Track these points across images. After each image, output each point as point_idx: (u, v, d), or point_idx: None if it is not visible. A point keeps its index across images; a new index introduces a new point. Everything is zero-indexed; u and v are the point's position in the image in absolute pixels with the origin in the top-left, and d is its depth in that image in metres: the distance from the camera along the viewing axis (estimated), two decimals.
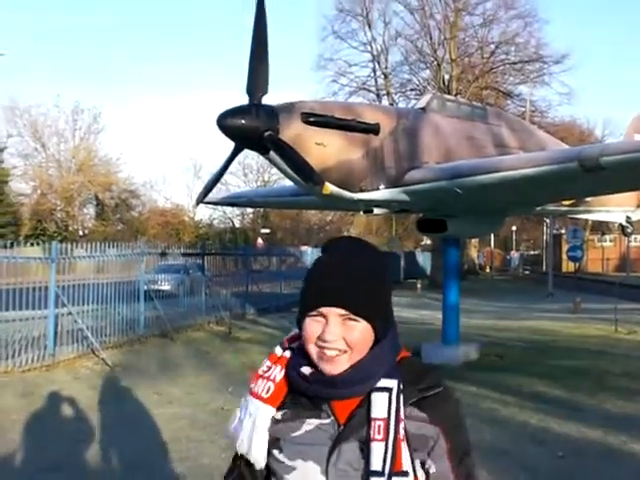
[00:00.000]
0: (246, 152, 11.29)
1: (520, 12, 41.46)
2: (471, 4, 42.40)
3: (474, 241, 52.41)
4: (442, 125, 12.65)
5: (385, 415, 1.71)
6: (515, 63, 42.68)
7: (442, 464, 1.76)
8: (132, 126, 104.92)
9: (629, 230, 18.14)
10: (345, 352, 1.74)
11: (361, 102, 33.99)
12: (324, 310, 1.75)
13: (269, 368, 1.88)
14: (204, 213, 68.38)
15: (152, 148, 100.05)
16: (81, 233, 55.41)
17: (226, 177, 47.98)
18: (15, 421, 8.86)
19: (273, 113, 10.08)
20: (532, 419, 8.82)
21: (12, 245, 14.14)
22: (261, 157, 11.30)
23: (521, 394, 10.33)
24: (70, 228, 55.30)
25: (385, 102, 41.17)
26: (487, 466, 6.78)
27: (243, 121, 9.80)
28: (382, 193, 11.54)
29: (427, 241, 63.06)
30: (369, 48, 43.47)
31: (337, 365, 1.74)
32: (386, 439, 1.68)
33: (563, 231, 54.43)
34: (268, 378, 1.86)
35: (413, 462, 1.74)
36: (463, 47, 43.04)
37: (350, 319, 1.75)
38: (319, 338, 1.75)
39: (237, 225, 71.50)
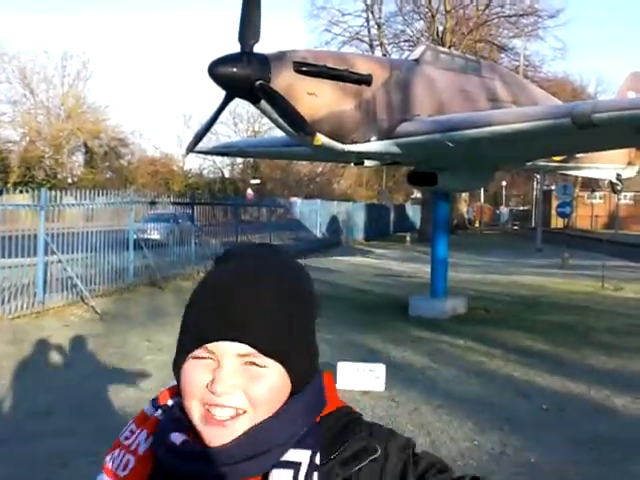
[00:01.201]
0: (237, 101, 11.20)
1: None
2: None
3: (464, 196, 52.46)
4: (435, 77, 12.55)
5: None
6: (510, 16, 42.32)
7: None
8: (121, 73, 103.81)
9: (619, 187, 18.18)
10: (245, 412, 1.14)
11: (354, 52, 33.61)
12: (215, 347, 1.14)
13: (132, 434, 1.28)
14: (194, 163, 68.00)
15: (141, 96, 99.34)
16: (70, 181, 54.96)
17: (216, 127, 47.61)
18: (4, 367, 8.89)
19: (265, 62, 9.99)
20: (517, 372, 8.94)
21: (1, 192, 14.06)
22: (252, 106, 11.20)
23: (507, 348, 10.44)
24: (59, 176, 54.84)
25: (378, 53, 40.78)
26: (473, 418, 6.90)
27: (234, 69, 9.70)
28: (373, 145, 11.49)
29: (417, 194, 63.16)
30: None
31: (228, 431, 1.13)
32: None
33: (553, 187, 54.53)
34: (128, 449, 1.26)
35: None
36: None
37: (254, 363, 1.15)
38: (207, 391, 1.14)
39: (227, 175, 71.14)
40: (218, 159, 64.03)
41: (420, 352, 9.84)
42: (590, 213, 58.97)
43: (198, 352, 1.16)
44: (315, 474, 1.13)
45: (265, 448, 1.14)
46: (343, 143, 11.13)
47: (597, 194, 62.12)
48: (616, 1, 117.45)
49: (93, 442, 6.10)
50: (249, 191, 51.55)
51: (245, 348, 1.14)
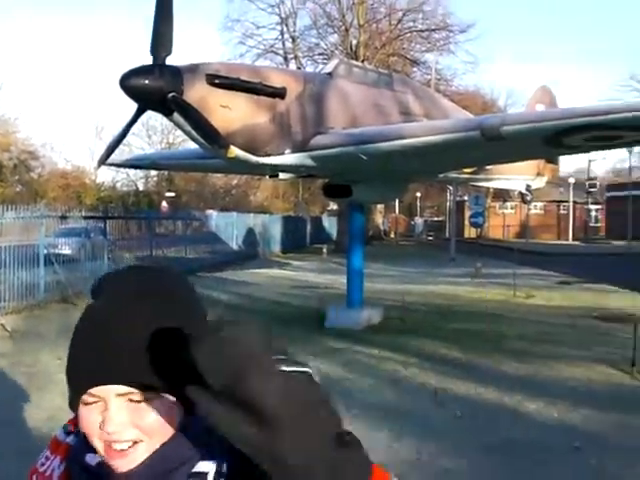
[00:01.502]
0: (150, 113, 11.07)
1: None
2: None
3: (379, 207, 53.02)
4: (348, 91, 12.69)
5: None
6: (422, 31, 43.11)
7: None
8: (31, 85, 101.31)
9: (528, 198, 18.75)
10: (141, 441, 1.16)
11: (267, 65, 33.66)
12: (98, 391, 1.15)
13: (47, 460, 1.33)
14: (106, 176, 66.80)
15: (52, 108, 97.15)
16: None
17: (129, 139, 47.11)
18: None
19: (177, 74, 9.92)
20: (432, 380, 9.07)
21: None
22: (165, 118, 11.10)
23: (422, 356, 10.59)
24: None
25: (293, 66, 40.95)
26: (388, 426, 6.97)
27: (146, 81, 9.61)
28: (288, 158, 11.53)
29: (334, 206, 63.58)
30: (277, 10, 42.97)
31: (130, 459, 1.15)
32: None
33: (466, 198, 55.76)
34: (43, 475, 1.31)
35: None
36: (371, 13, 43.04)
37: (134, 400, 1.15)
38: (101, 430, 1.15)
39: (141, 188, 70.19)
40: (132, 172, 63.07)
41: (336, 363, 9.87)
42: (502, 223, 60.29)
43: (85, 397, 1.16)
44: None
45: (169, 468, 1.15)
46: (257, 156, 11.13)
47: (508, 204, 63.74)
48: (526, 16, 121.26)
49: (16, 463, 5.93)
50: (164, 204, 51.00)
51: (122, 388, 1.14)
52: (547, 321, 13.96)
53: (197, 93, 10.06)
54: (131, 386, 1.13)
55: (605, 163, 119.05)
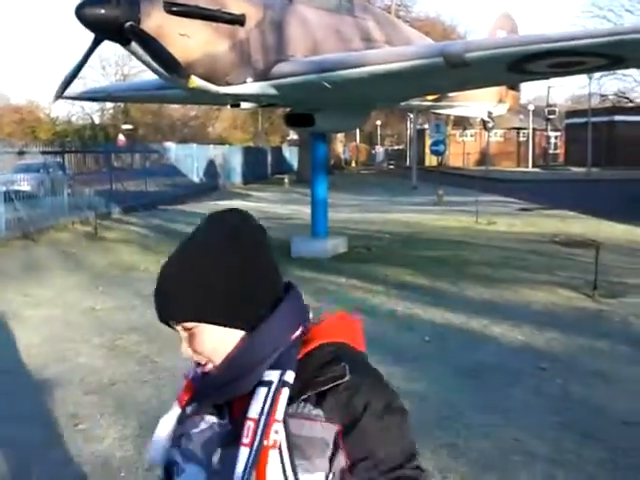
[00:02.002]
0: (104, 44, 10.75)
1: None
2: None
3: (340, 136, 52.73)
4: (309, 17, 12.44)
5: (257, 415, 1.38)
6: None
7: (339, 471, 1.39)
8: None
9: (490, 125, 18.78)
10: (210, 360, 1.47)
11: None
12: (171, 323, 1.47)
13: (189, 373, 1.62)
14: (61, 110, 65.83)
15: (4, 41, 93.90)
16: None
17: (84, 71, 45.74)
18: None
19: (134, 2, 9.64)
20: (399, 307, 9.19)
21: None
22: (120, 49, 10.82)
23: (388, 284, 10.69)
24: None
25: None
26: None
27: (102, 10, 9.34)
28: (249, 87, 11.35)
29: (294, 136, 63.15)
30: None
31: (208, 368, 1.49)
32: (252, 444, 1.36)
33: (426, 126, 55.68)
34: (186, 377, 1.61)
35: (296, 474, 1.36)
36: None
37: (185, 329, 1.45)
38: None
39: (97, 122, 68.92)
40: (87, 105, 61.95)
41: (303, 292, 9.82)
42: (462, 151, 60.76)
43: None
44: (284, 389, 1.38)
45: (238, 374, 1.43)
46: (218, 85, 10.94)
47: (468, 132, 63.93)
48: None
49: None
50: (120, 137, 50.14)
51: (175, 324, 1.46)
52: (509, 247, 14.13)
53: (155, 21, 9.80)
54: (175, 321, 1.45)
55: (564, 90, 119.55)
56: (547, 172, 51.17)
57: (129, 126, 61.21)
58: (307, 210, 15.02)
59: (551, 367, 6.70)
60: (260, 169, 45.05)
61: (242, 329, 1.45)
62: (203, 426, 1.50)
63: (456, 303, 9.27)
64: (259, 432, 1.36)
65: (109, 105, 63.38)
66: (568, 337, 7.78)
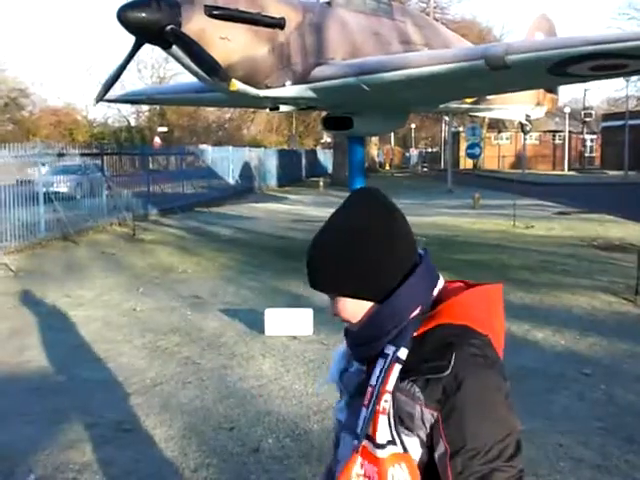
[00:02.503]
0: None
1: None
2: None
3: (374, 139, 52.74)
4: (348, 20, 12.48)
5: (374, 382, 1.62)
6: None
7: (438, 457, 1.56)
8: (18, 22, 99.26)
9: (528, 128, 18.66)
10: (350, 320, 1.72)
11: None
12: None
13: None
14: (98, 112, 66.14)
15: (41, 45, 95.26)
16: None
17: None
18: None
19: (175, 5, 9.75)
20: None
21: None
22: (156, 52, 10.96)
23: None
24: None
25: None
26: None
27: (144, 14, 9.46)
28: (288, 90, 11.41)
29: (327, 139, 63.17)
30: None
31: (349, 325, 1.75)
32: (368, 406, 1.61)
33: (461, 129, 55.48)
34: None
35: (400, 438, 1.58)
36: None
37: (340, 300, 1.71)
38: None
39: (133, 124, 69.52)
40: (123, 107, 62.41)
41: None
42: (497, 154, 60.45)
43: None
44: (397, 365, 1.58)
45: (363, 341, 1.69)
46: (258, 88, 11.02)
47: (504, 135, 63.53)
48: None
49: (24, 403, 6.01)
50: (156, 139, 50.57)
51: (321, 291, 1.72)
52: (548, 251, 14.00)
53: (196, 25, 9.90)
54: (323, 291, 1.71)
55: (600, 93, 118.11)
56: (583, 175, 50.66)
57: (164, 128, 61.65)
58: None
59: (594, 372, 6.64)
60: (295, 172, 45.15)
61: (374, 301, 1.67)
62: (353, 368, 1.79)
63: None
64: (373, 398, 1.60)
65: (145, 107, 63.85)
66: (611, 342, 7.69)
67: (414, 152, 79.89)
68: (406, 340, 1.60)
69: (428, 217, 20.68)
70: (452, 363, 1.53)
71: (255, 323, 8.25)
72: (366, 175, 35.78)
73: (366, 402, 1.61)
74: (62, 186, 18.91)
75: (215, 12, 10.18)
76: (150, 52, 54.02)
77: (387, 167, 69.93)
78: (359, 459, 1.61)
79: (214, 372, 6.71)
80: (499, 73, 9.81)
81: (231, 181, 32.60)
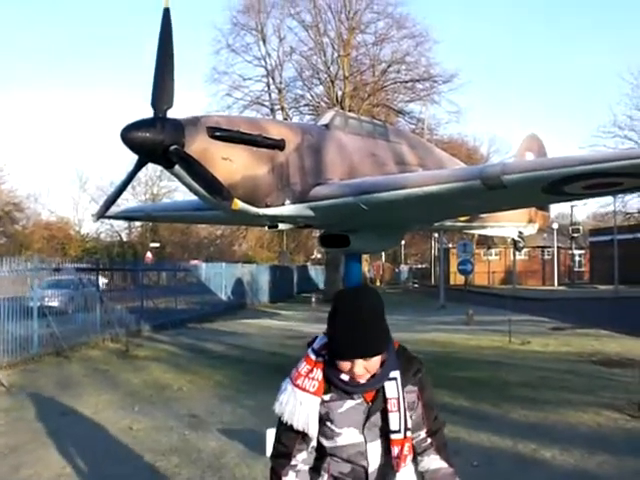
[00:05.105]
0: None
1: (411, 32, 42.46)
2: (364, 23, 43.24)
3: (365, 255, 53.12)
4: (345, 142, 12.79)
5: (396, 395, 2.80)
6: (406, 82, 43.58)
7: (418, 411, 2.93)
8: (14, 137, 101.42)
9: (521, 245, 18.88)
10: (369, 372, 2.78)
11: (266, 117, 33.94)
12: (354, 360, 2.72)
13: (310, 370, 2.81)
14: (90, 226, 66.75)
15: (36, 159, 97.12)
16: None
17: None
18: None
19: (179, 127, 9.95)
20: (445, 430, 8.94)
21: None
22: (149, 170, 11.16)
23: None
24: None
25: (279, 117, 41.27)
26: None
27: (148, 134, 9.63)
28: (288, 208, 11.56)
29: (317, 255, 63.60)
30: (263, 63, 43.51)
31: (364, 379, 2.78)
32: (399, 410, 2.80)
33: (451, 245, 56.03)
34: (312, 378, 2.79)
35: (411, 416, 2.88)
36: (356, 65, 43.63)
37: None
38: (349, 370, 2.74)
39: (125, 239, 70.04)
40: (115, 222, 62.94)
41: None
42: (487, 269, 60.84)
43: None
44: (398, 380, 2.83)
45: (381, 379, 2.81)
46: (258, 207, 11.16)
47: (493, 251, 64.17)
48: (504, 68, 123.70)
49: None
50: (148, 254, 50.87)
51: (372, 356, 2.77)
52: (547, 367, 13.94)
53: (199, 146, 10.09)
54: (370, 357, 2.74)
55: (586, 208, 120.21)
56: (574, 290, 50.90)
57: (156, 244, 62.09)
58: None
59: None
60: (286, 287, 45.25)
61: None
62: (347, 406, 2.80)
63: (501, 426, 9.07)
64: (401, 404, 2.80)
65: (137, 223, 64.44)
66: (620, 460, 7.56)
67: (404, 268, 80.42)
68: (399, 363, 2.88)
69: (423, 333, 20.65)
70: (420, 364, 2.95)
71: (255, 444, 8.08)
72: None
73: (395, 409, 2.78)
74: (54, 300, 18.85)
75: (218, 134, 10.40)
76: (144, 169, 55.02)
77: (378, 283, 70.18)
78: (407, 443, 2.82)
79: None
80: (495, 192, 9.99)
81: (223, 297, 32.61)
